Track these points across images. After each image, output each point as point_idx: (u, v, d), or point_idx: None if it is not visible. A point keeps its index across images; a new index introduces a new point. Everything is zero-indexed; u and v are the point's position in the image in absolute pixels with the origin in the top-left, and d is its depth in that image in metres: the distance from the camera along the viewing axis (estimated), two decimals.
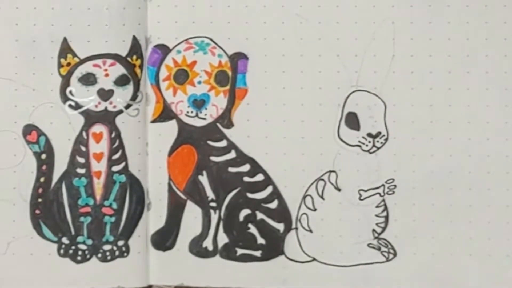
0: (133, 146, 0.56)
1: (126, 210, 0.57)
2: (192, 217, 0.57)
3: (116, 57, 0.55)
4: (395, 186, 0.56)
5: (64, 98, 0.56)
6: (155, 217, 0.57)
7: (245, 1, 0.56)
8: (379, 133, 0.56)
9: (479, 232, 0.56)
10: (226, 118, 0.57)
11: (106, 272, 0.57)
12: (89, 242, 0.57)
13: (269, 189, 0.57)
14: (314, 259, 0.57)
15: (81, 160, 0.56)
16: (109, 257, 0.57)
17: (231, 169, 0.57)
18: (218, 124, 0.57)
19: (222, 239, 0.57)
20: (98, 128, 0.56)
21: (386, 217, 0.57)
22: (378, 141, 0.56)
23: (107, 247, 0.57)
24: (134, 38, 0.56)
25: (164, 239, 0.57)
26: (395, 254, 0.57)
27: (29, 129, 0.56)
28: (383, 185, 0.56)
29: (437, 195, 0.56)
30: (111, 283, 0.57)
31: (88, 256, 0.57)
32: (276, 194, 0.57)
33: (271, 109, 0.56)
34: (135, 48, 0.56)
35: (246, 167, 0.57)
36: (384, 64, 0.55)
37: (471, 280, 0.57)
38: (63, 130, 0.56)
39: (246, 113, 0.56)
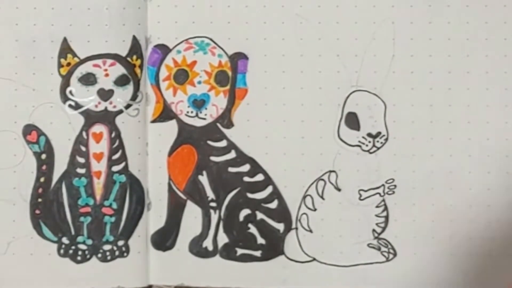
0: (133, 146, 0.56)
1: (126, 210, 0.57)
2: (192, 217, 0.57)
3: (116, 57, 0.55)
4: (395, 186, 0.56)
5: (64, 98, 0.56)
6: (155, 217, 0.57)
7: (245, 1, 0.56)
8: (379, 133, 0.56)
9: (479, 232, 0.56)
10: (226, 118, 0.57)
11: (106, 272, 0.57)
12: (89, 242, 0.57)
13: (269, 189, 0.57)
14: (314, 259, 0.57)
15: (81, 160, 0.56)
16: (109, 257, 0.57)
17: (231, 169, 0.57)
18: (218, 124, 0.57)
19: (222, 239, 0.57)
20: (98, 128, 0.56)
21: (386, 217, 0.57)
22: (378, 141, 0.56)
23: (107, 247, 0.57)
24: (134, 38, 0.56)
25: (164, 239, 0.57)
26: (395, 254, 0.57)
27: (29, 129, 0.56)
28: (383, 185, 0.56)
29: (437, 195, 0.56)
30: (111, 283, 0.57)
31: (88, 256, 0.57)
32: (276, 194, 0.57)
33: (271, 109, 0.56)
34: (135, 48, 0.56)
35: (246, 167, 0.57)
36: (384, 64, 0.55)
37: (471, 280, 0.57)
38: (63, 130, 0.56)
39: (246, 113, 0.56)
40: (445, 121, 0.56)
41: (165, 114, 0.57)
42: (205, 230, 0.57)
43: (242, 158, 0.57)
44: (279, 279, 0.57)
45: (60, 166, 0.56)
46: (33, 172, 0.56)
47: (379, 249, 0.57)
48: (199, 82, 0.56)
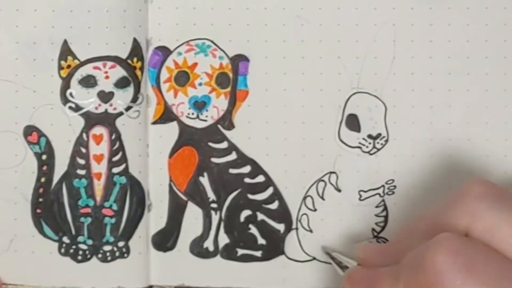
0: (133, 148, 0.56)
1: (126, 212, 0.57)
2: (193, 218, 0.57)
3: (116, 59, 0.55)
4: (395, 186, 0.57)
5: (64, 100, 0.56)
6: (156, 218, 0.57)
7: (246, 3, 0.56)
8: (379, 134, 0.56)
9: None
10: (227, 120, 0.57)
11: (106, 272, 0.57)
12: (90, 242, 0.57)
13: (270, 190, 0.57)
14: (314, 258, 0.57)
15: (81, 161, 0.56)
16: (109, 258, 0.57)
17: (232, 171, 0.57)
18: (219, 126, 0.57)
19: (223, 239, 0.57)
20: (98, 130, 0.56)
21: (386, 217, 0.57)
22: (378, 143, 0.56)
23: (107, 247, 0.57)
24: (135, 40, 0.55)
25: (165, 240, 0.57)
26: None
27: (29, 130, 0.56)
28: (383, 185, 0.57)
29: (437, 195, 0.56)
30: (112, 283, 0.57)
31: (88, 256, 0.57)
32: (276, 195, 0.57)
33: (272, 110, 0.56)
34: (136, 50, 0.55)
35: (247, 169, 0.57)
36: (385, 66, 0.55)
37: None
38: (63, 131, 0.56)
39: (247, 115, 0.56)
40: (445, 123, 0.56)
41: (166, 115, 0.57)
42: (206, 231, 0.57)
43: (243, 159, 0.57)
44: (279, 279, 0.57)
45: (60, 167, 0.56)
46: (34, 172, 0.56)
47: None
48: (200, 84, 0.56)
